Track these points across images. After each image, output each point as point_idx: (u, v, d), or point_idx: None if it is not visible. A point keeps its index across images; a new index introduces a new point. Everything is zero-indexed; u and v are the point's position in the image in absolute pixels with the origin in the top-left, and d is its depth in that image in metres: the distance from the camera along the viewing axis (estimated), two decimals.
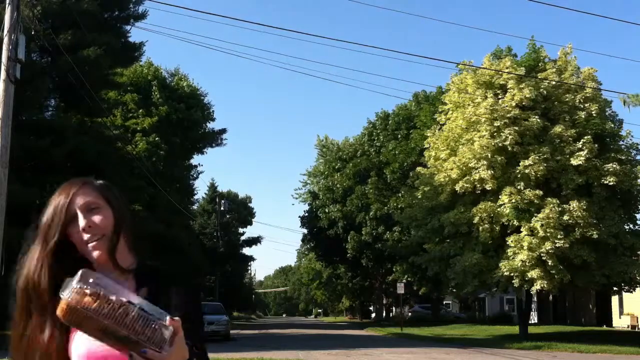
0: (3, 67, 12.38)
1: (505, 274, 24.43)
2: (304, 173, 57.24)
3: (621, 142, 27.11)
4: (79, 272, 1.38)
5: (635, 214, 27.19)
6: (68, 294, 1.34)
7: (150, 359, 1.33)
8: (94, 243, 1.55)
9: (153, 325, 1.33)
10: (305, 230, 54.54)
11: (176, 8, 43.22)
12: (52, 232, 1.56)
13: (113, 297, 1.34)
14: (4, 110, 12.37)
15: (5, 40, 12.56)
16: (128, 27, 23.57)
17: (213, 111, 38.06)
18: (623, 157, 25.80)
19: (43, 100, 20.22)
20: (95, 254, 1.55)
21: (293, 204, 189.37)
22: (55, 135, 18.73)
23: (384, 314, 59.35)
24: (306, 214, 53.39)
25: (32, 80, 17.25)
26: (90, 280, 1.37)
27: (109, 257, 1.56)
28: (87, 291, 1.34)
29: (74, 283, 1.35)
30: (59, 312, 1.36)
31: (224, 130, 39.19)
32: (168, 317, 1.36)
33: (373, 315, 67.49)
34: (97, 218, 1.57)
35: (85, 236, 1.55)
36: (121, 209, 1.65)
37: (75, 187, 1.62)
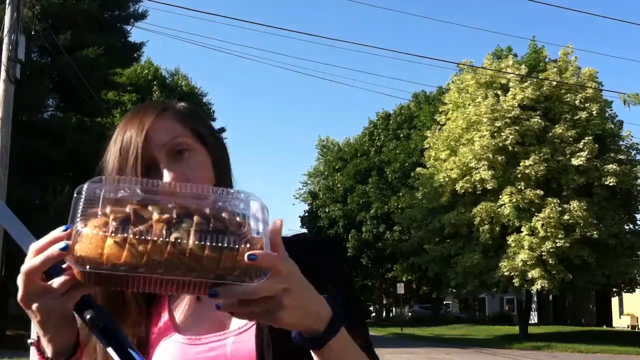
0: (3, 67, 12.37)
1: (506, 273, 24.45)
2: (305, 173, 57.30)
3: (621, 143, 27.16)
4: (79, 192, 0.76)
5: (635, 214, 27.25)
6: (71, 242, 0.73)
7: (229, 298, 0.71)
8: None
9: (227, 248, 0.71)
10: (305, 230, 54.48)
11: (176, 8, 43.15)
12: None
13: (150, 232, 0.69)
14: (4, 110, 12.36)
15: (5, 40, 12.55)
16: (128, 27, 23.56)
17: (214, 111, 38.06)
18: (623, 157, 25.86)
19: (43, 101, 20.21)
20: None
21: (293, 204, 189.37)
22: (55, 135, 18.72)
23: (384, 314, 59.36)
24: (306, 214, 53.38)
25: (32, 81, 17.25)
26: (101, 208, 0.74)
27: None
28: (106, 233, 0.70)
29: (77, 225, 0.73)
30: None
31: (222, 130, 39.16)
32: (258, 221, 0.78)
33: (373, 315, 67.49)
34: (189, 170, 0.96)
35: None
36: (221, 149, 1.05)
37: (149, 116, 0.99)
